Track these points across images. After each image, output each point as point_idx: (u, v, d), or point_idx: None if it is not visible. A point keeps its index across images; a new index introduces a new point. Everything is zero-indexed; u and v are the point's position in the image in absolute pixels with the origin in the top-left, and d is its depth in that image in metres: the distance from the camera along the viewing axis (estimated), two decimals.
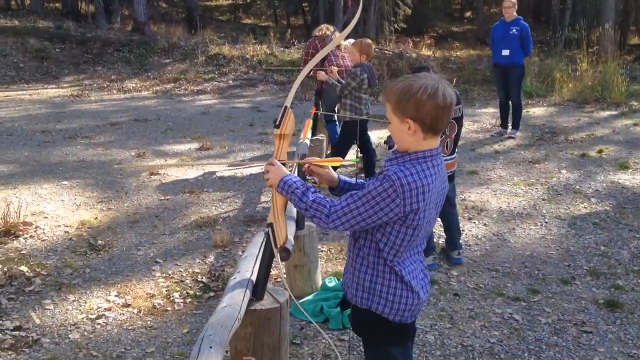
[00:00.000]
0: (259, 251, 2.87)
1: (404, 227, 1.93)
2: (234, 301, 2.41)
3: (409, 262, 2.03)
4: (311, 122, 5.88)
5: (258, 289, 2.67)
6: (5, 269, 3.87)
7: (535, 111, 10.45)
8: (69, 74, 13.83)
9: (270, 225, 2.18)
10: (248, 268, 2.74)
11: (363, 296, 2.06)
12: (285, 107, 2.22)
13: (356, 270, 2.08)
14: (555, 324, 3.44)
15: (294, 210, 3.73)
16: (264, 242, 2.84)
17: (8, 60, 13.75)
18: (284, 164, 2.15)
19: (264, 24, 23.67)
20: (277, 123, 2.21)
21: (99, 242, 4.51)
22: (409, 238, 1.96)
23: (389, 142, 4.16)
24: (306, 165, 2.25)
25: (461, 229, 4.83)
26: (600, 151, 7.47)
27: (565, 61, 13.56)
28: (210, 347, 2.04)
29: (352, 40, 6.46)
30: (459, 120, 4.14)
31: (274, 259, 2.61)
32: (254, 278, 2.68)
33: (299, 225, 3.71)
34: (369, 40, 5.65)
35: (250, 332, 2.59)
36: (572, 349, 3.17)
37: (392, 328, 2.05)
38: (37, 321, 3.36)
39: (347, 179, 2.27)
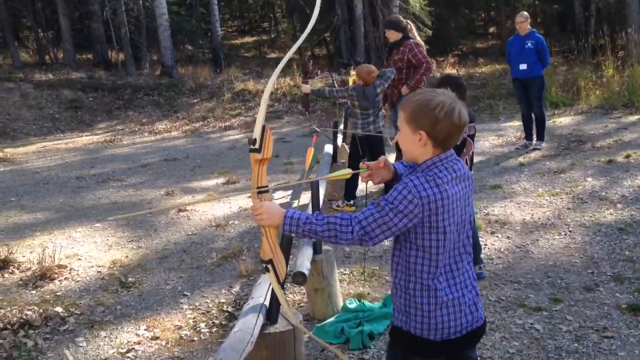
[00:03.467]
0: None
1: (433, 231, 1.94)
2: (247, 326, 2.50)
3: (444, 279, 2.02)
4: (313, 151, 6.07)
5: (272, 313, 2.77)
6: (41, 311, 4.05)
7: (562, 121, 10.36)
8: (102, 120, 14.36)
9: (270, 261, 2.06)
10: (261, 293, 2.83)
11: (401, 318, 2.08)
12: (264, 127, 2.05)
13: (395, 294, 2.11)
14: (577, 331, 3.42)
15: None
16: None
17: (44, 112, 14.37)
18: (266, 190, 2.05)
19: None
20: (258, 147, 2.02)
21: (130, 279, 4.68)
22: (441, 244, 1.96)
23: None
24: (365, 175, 2.27)
25: (484, 243, 4.86)
26: (627, 156, 7.36)
27: (590, 68, 13.43)
28: None
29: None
30: (473, 138, 4.20)
31: (286, 282, 2.71)
32: (267, 303, 2.78)
33: (316, 250, 3.80)
34: (366, 67, 6.05)
35: (265, 355, 2.68)
36: (592, 354, 3.15)
37: (431, 346, 2.04)
38: (71, 358, 3.51)
39: (399, 166, 2.30)
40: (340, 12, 19.05)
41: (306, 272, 3.27)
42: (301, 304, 4.13)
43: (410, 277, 2.03)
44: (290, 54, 2.18)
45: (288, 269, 2.99)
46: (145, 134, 12.75)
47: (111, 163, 9.53)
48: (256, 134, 2.05)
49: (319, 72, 17.00)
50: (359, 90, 5.94)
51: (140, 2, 19.28)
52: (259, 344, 2.58)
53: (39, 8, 20.32)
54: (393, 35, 6.57)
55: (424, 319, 2.02)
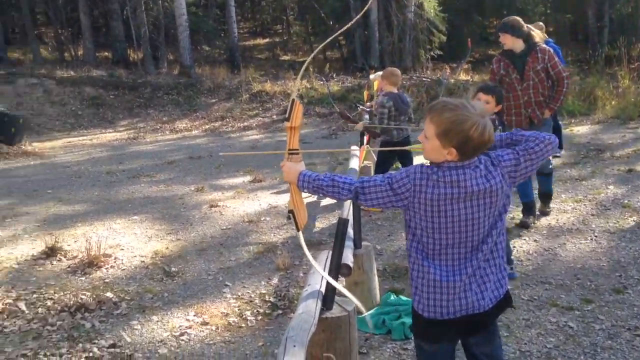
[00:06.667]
0: (324, 267, 3.17)
1: (422, 218, 2.14)
2: (308, 309, 2.70)
3: (438, 261, 2.19)
4: (366, 149, 6.26)
5: (327, 300, 2.96)
6: (94, 296, 4.27)
7: (580, 130, 10.52)
8: (124, 118, 14.62)
9: (291, 211, 2.39)
10: (317, 281, 3.03)
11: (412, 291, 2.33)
12: (293, 100, 2.39)
13: None
14: (609, 329, 3.60)
15: (351, 230, 4.02)
16: (328, 259, 3.17)
17: (67, 109, 14.63)
18: (296, 152, 2.40)
19: (301, 60, 24.33)
20: (287, 116, 2.41)
21: (173, 269, 4.89)
22: (430, 233, 2.15)
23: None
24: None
25: (512, 245, 5.03)
26: None
27: (606, 79, 13.58)
28: (294, 346, 2.33)
29: (379, 73, 6.90)
30: None
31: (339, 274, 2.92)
32: (322, 290, 2.98)
33: (357, 245, 4.00)
34: (392, 69, 6.08)
35: (323, 338, 2.87)
36: (626, 351, 3.34)
37: (422, 323, 2.29)
38: (128, 339, 3.72)
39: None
40: (355, 16, 19.27)
41: (351, 265, 3.47)
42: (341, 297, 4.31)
43: (410, 252, 2.25)
44: (317, 51, 2.84)
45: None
46: (167, 132, 12.99)
47: (138, 159, 9.76)
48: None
49: (334, 75, 17.22)
50: (394, 97, 5.92)
51: (160, 2, 19.55)
52: (317, 327, 2.78)
53: (59, 5, 20.61)
54: (509, 42, 5.28)
55: (419, 294, 2.25)
